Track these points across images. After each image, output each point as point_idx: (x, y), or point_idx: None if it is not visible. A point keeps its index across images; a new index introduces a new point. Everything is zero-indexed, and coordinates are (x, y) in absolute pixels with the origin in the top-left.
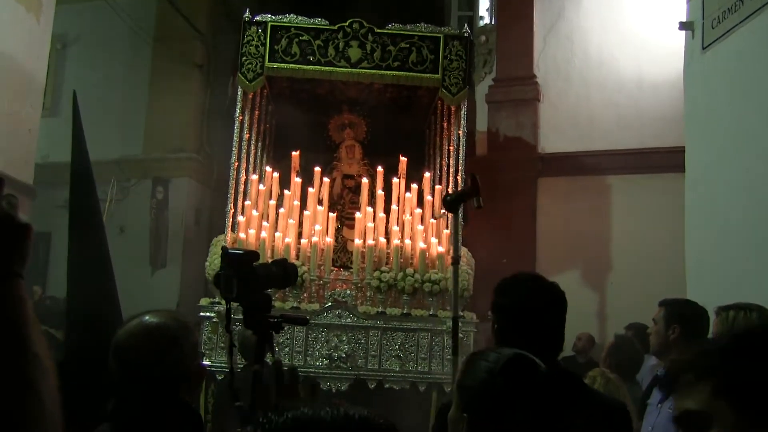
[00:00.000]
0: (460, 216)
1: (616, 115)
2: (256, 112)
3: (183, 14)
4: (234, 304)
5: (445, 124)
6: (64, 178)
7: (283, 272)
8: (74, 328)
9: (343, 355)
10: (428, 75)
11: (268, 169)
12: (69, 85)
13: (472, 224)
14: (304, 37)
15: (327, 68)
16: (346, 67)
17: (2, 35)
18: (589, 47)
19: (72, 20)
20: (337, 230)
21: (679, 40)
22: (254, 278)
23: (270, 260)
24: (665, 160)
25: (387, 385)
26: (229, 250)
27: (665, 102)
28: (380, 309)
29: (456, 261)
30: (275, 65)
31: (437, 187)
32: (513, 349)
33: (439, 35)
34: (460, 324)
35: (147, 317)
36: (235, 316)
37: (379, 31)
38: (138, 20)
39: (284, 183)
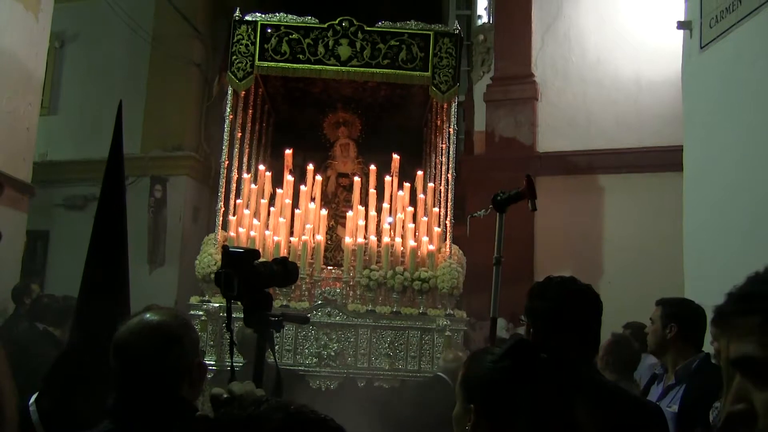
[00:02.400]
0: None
1: (615, 114)
2: (250, 111)
3: (181, 13)
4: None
5: (439, 122)
6: (62, 177)
7: (284, 270)
8: (81, 325)
9: (333, 354)
10: (418, 73)
11: (261, 167)
12: (67, 83)
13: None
14: (293, 36)
15: (317, 66)
16: (336, 66)
17: (1, 33)
18: (587, 46)
19: (70, 18)
20: (332, 228)
21: (677, 39)
22: (255, 276)
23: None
24: (663, 159)
25: (376, 384)
26: (230, 249)
27: (663, 101)
28: (370, 307)
29: (498, 262)
30: (265, 64)
31: (429, 185)
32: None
33: (428, 32)
34: (449, 322)
35: (147, 315)
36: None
37: (368, 29)
38: (136, 18)
39: (279, 181)
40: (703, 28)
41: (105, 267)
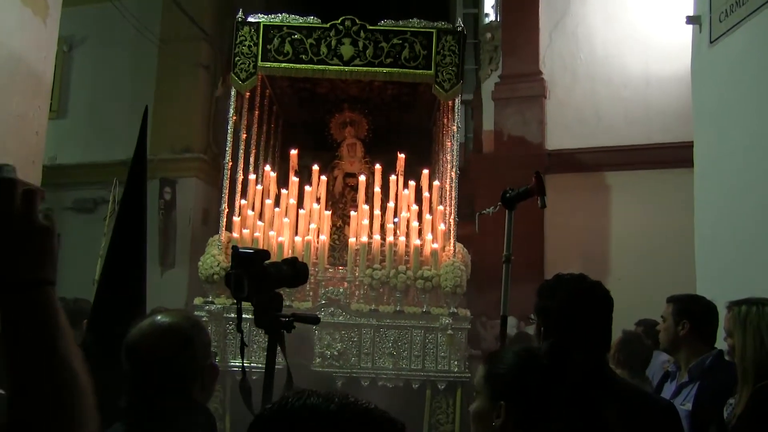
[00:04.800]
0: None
1: (623, 111)
2: (256, 112)
3: (189, 15)
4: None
5: (445, 120)
6: (71, 180)
7: (294, 271)
8: (95, 326)
9: (336, 353)
10: (421, 71)
11: (267, 168)
12: (76, 86)
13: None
14: (296, 36)
15: (319, 67)
16: (339, 65)
17: (9, 38)
18: (594, 43)
19: (78, 22)
20: (340, 228)
21: (685, 34)
22: (265, 277)
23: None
24: (673, 156)
25: (380, 383)
26: (240, 250)
27: (672, 97)
28: (373, 307)
29: (507, 260)
30: (268, 64)
31: (435, 183)
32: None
33: (431, 30)
34: (452, 321)
35: (159, 317)
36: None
37: (371, 27)
38: (144, 21)
39: (287, 182)
40: (713, 22)
41: (124, 269)
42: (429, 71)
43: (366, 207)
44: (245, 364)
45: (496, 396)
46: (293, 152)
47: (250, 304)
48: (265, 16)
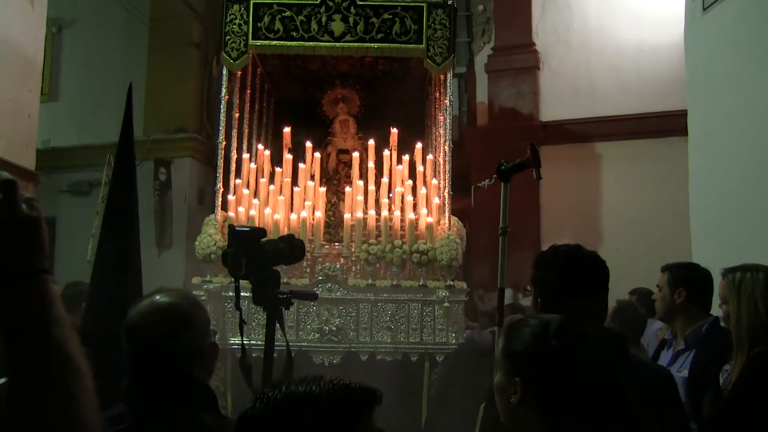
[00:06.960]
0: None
1: (617, 80)
2: (248, 91)
3: None
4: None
5: (437, 94)
6: (66, 163)
7: (291, 248)
8: (93, 310)
9: (334, 329)
10: (412, 45)
11: (260, 147)
12: (66, 68)
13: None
14: (286, 13)
15: (310, 44)
16: (330, 42)
17: None
18: (588, 12)
19: (67, 3)
20: (334, 205)
21: (679, 1)
22: (262, 255)
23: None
24: (667, 124)
25: (379, 357)
26: (237, 228)
27: (666, 65)
28: (370, 281)
29: (504, 232)
30: (258, 43)
31: (429, 157)
32: (551, 315)
33: (422, 4)
34: (448, 294)
35: (158, 297)
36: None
37: (361, 3)
38: (133, 0)
39: (281, 160)
40: None
41: (118, 250)
42: (420, 45)
43: (360, 183)
44: (245, 342)
45: (512, 373)
46: (286, 130)
47: (248, 281)
48: None
